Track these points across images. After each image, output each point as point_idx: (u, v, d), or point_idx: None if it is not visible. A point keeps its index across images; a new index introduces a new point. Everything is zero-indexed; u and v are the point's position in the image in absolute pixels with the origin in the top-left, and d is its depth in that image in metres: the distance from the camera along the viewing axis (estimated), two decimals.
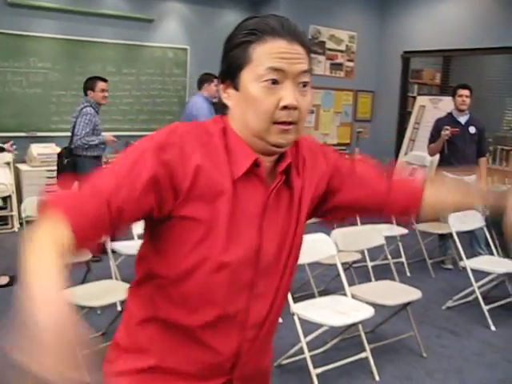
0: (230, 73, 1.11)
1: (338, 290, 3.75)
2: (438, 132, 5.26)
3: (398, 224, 5.30)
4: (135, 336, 1.21)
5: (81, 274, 3.79)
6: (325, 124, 8.45)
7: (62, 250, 0.92)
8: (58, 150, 6.49)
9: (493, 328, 4.04)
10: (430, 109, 7.68)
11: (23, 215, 3.92)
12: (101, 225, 1.01)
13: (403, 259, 5.14)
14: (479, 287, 4.19)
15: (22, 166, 6.32)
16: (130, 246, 3.60)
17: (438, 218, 5.68)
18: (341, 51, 8.37)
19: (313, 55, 7.84)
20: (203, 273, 1.10)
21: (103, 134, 5.33)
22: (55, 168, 6.33)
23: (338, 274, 3.46)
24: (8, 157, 6.11)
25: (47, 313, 0.78)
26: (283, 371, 3.26)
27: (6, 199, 5.99)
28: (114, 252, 3.90)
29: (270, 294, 1.20)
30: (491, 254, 4.70)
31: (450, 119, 5.34)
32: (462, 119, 5.30)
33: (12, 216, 6.03)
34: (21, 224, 5.68)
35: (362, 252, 4.27)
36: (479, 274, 4.20)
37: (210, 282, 1.11)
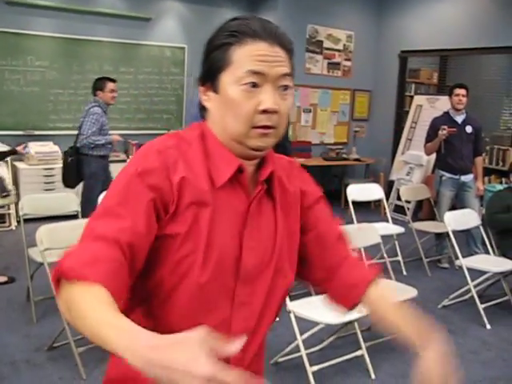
0: (210, 75, 1.09)
1: None
2: (435, 131, 5.28)
3: (395, 223, 5.34)
4: (123, 365, 1.18)
5: None
6: (322, 123, 8.47)
7: (109, 301, 0.87)
8: (56, 148, 6.54)
9: (488, 326, 4.07)
10: (427, 108, 7.71)
11: (21, 213, 3.93)
12: (121, 270, 0.95)
13: (399, 258, 5.16)
14: (475, 286, 4.21)
15: (19, 164, 6.33)
16: None
17: (435, 217, 5.72)
18: (338, 50, 8.38)
19: (310, 54, 7.90)
20: (187, 288, 1.06)
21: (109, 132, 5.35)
22: (53, 166, 6.38)
23: None
24: None
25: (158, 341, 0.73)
26: (279, 369, 3.28)
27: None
28: None
29: (257, 303, 1.15)
30: (487, 252, 4.72)
31: (446, 118, 5.36)
32: (459, 118, 5.32)
33: (9, 214, 6.04)
34: (18, 222, 5.71)
35: (359, 250, 4.28)
36: (475, 272, 4.22)
37: (194, 295, 1.07)
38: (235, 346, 0.73)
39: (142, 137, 7.02)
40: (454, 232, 4.45)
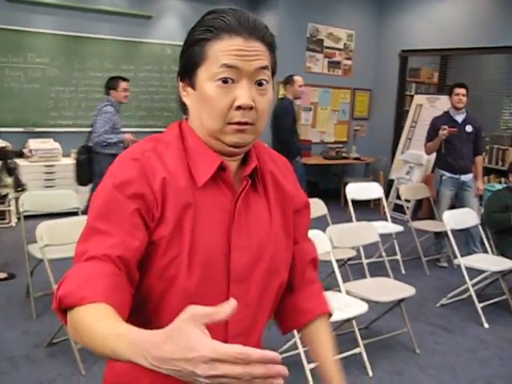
0: (187, 71, 1.07)
1: (333, 286, 3.76)
2: (436, 131, 5.28)
3: (394, 222, 5.35)
4: (117, 371, 1.16)
5: None
6: (322, 122, 8.47)
7: (112, 314, 0.85)
8: (56, 145, 6.56)
9: (486, 325, 4.08)
10: (427, 107, 7.72)
11: (21, 210, 3.94)
12: (119, 281, 0.94)
13: (398, 257, 5.18)
14: (473, 285, 4.23)
15: (19, 161, 6.33)
16: None
17: (434, 217, 5.73)
18: (339, 49, 8.39)
19: (311, 53, 7.90)
20: (177, 292, 1.04)
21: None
22: (53, 163, 6.39)
23: (334, 271, 3.49)
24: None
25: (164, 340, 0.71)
26: None
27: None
28: None
29: (252, 302, 1.12)
30: (486, 252, 4.73)
31: (446, 118, 5.36)
32: (459, 118, 5.32)
33: (10, 211, 6.05)
34: (18, 219, 5.72)
35: (358, 249, 4.30)
36: (473, 271, 4.23)
37: (184, 299, 1.04)
38: (228, 308, 0.72)
39: (142, 134, 6.92)
40: (453, 231, 4.46)
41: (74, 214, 4.21)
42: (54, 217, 3.63)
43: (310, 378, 3.04)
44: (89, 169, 5.24)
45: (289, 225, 1.20)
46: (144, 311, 1.08)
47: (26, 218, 4.01)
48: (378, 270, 4.57)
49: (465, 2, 7.39)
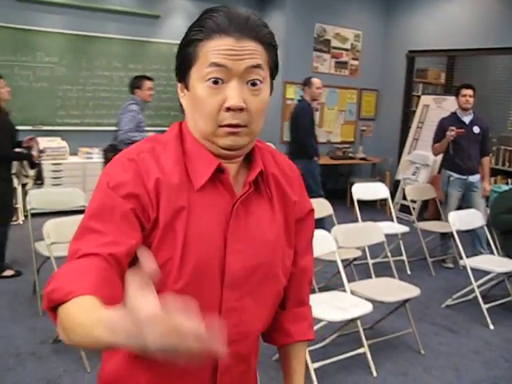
0: (182, 71, 1.05)
1: (338, 286, 3.78)
2: (443, 132, 5.27)
3: (400, 222, 5.35)
4: (112, 369, 1.14)
5: None
6: (329, 122, 8.47)
7: (93, 303, 0.83)
8: (64, 143, 6.60)
9: (491, 327, 4.07)
10: (434, 108, 7.70)
11: (28, 208, 3.98)
12: (110, 276, 0.91)
13: (404, 257, 5.18)
14: (479, 286, 4.22)
15: None
16: None
17: (440, 217, 5.72)
18: (346, 50, 8.38)
19: (318, 53, 7.89)
20: (165, 293, 1.00)
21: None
22: (60, 162, 6.44)
23: (339, 271, 3.50)
24: None
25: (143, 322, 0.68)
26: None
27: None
28: None
29: (247, 308, 1.09)
30: (492, 253, 4.72)
31: (454, 119, 5.35)
32: (467, 119, 5.31)
33: (17, 208, 6.09)
34: (25, 216, 5.76)
35: (363, 249, 4.30)
36: (479, 273, 4.22)
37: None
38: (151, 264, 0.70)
39: (149, 133, 7.05)
40: (459, 232, 4.46)
41: (81, 212, 4.20)
42: (61, 215, 3.66)
43: (314, 377, 3.05)
44: None
45: (290, 233, 1.17)
46: None
47: (34, 215, 4.04)
48: (383, 270, 4.57)
49: (472, 2, 7.38)
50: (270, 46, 1.04)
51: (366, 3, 8.43)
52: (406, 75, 8.47)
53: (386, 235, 4.11)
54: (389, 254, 4.54)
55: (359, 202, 5.14)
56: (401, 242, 5.15)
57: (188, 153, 1.06)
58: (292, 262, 1.19)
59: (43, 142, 6.43)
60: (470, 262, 4.25)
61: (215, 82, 0.99)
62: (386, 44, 8.67)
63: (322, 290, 4.18)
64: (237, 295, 1.07)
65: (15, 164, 4.66)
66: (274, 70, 1.07)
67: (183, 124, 1.11)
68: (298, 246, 1.20)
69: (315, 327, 3.19)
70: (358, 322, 3.29)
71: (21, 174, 4.74)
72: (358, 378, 3.26)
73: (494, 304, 4.31)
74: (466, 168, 5.29)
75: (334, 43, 8.25)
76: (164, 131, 1.14)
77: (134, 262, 0.98)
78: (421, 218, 6.63)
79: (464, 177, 5.31)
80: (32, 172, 4.74)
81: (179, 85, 1.08)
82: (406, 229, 5.09)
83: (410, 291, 3.55)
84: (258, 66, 1.00)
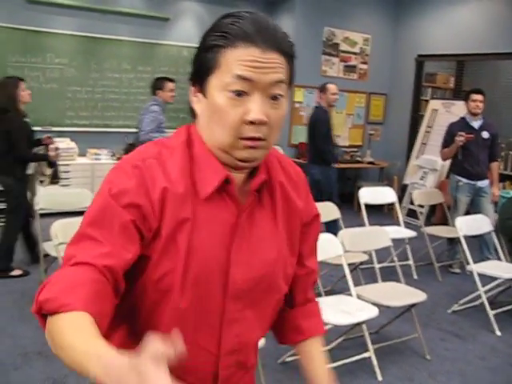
0: (199, 76, 1.01)
1: (344, 290, 3.77)
2: (452, 137, 5.25)
3: (407, 227, 5.34)
4: None
5: None
6: (337, 126, 8.41)
7: (89, 328, 0.81)
8: (73, 144, 6.63)
9: (498, 333, 4.05)
10: (443, 113, 7.68)
11: (36, 208, 4.00)
12: (104, 289, 0.90)
13: (411, 262, 5.16)
14: (485, 292, 4.20)
15: None
16: None
17: (447, 222, 5.70)
18: (355, 53, 8.39)
19: (327, 57, 7.89)
20: (168, 308, 1.02)
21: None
22: (69, 162, 6.47)
23: (345, 275, 3.49)
24: None
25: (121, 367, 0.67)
26: (287, 368, 3.31)
27: None
28: None
29: (249, 318, 1.09)
30: (499, 259, 4.70)
31: (463, 124, 5.33)
32: (476, 124, 5.29)
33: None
34: (34, 217, 5.78)
35: (370, 253, 4.30)
36: (486, 278, 4.20)
37: (176, 316, 1.02)
38: (176, 346, 0.67)
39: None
40: (467, 237, 4.44)
41: None
42: (69, 215, 3.67)
43: None
44: None
45: (294, 241, 1.16)
46: (135, 321, 1.05)
47: (42, 216, 4.07)
48: (389, 274, 4.56)
49: (482, 7, 7.36)
50: (291, 57, 1.02)
51: (375, 7, 8.43)
52: (414, 79, 8.45)
53: (393, 240, 4.10)
54: (395, 259, 4.53)
55: (366, 206, 5.13)
56: (408, 246, 5.14)
57: (195, 160, 1.03)
58: (297, 264, 1.20)
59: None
60: (476, 268, 4.23)
61: (238, 94, 0.96)
62: (395, 48, 8.67)
63: (328, 293, 4.18)
64: (239, 306, 1.07)
65: (34, 163, 4.73)
66: (291, 80, 1.04)
67: (192, 128, 1.08)
68: (304, 250, 1.20)
69: None
70: (364, 326, 3.29)
71: (39, 172, 4.82)
72: (363, 383, 3.25)
73: (500, 310, 4.29)
74: (475, 173, 5.27)
75: (343, 47, 8.25)
76: (172, 133, 1.12)
77: (128, 274, 0.96)
78: (428, 222, 6.61)
79: (473, 182, 5.29)
80: (49, 171, 4.82)
81: (192, 88, 1.05)
82: (413, 233, 5.08)
83: (417, 296, 3.54)
84: (281, 81, 0.98)
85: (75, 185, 6.33)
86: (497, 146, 5.46)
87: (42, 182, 4.91)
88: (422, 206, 6.47)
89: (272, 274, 1.10)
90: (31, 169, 4.68)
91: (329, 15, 7.97)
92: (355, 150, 8.51)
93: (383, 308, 3.33)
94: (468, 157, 5.25)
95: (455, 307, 4.44)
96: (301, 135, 8.13)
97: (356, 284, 3.58)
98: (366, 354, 3.33)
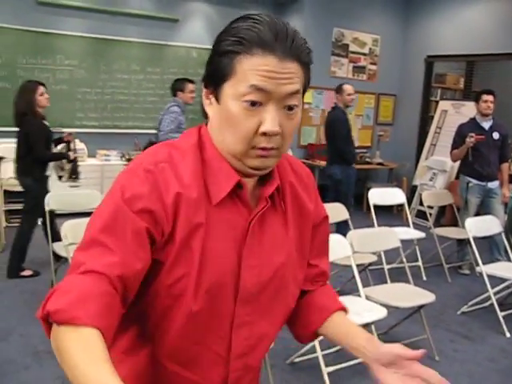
0: (213, 81, 0.99)
1: (353, 291, 3.77)
2: (462, 138, 5.23)
3: (417, 228, 5.32)
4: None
5: None
6: None
7: (102, 348, 0.81)
8: (82, 145, 6.67)
9: (507, 334, 4.03)
10: (452, 113, 7.65)
11: (46, 209, 4.03)
12: (113, 302, 0.88)
13: (420, 263, 5.15)
14: (495, 293, 4.18)
15: None
16: None
17: (457, 223, 5.68)
18: (364, 54, 8.38)
19: (336, 58, 7.88)
20: (181, 312, 1.01)
21: None
22: (79, 163, 6.49)
23: (354, 276, 3.49)
24: None
25: None
26: (295, 368, 3.31)
27: None
28: None
29: (258, 322, 1.09)
30: (509, 260, 4.68)
31: (473, 125, 5.31)
32: (486, 125, 5.27)
33: None
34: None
35: (379, 254, 4.29)
36: (496, 280, 4.19)
37: (188, 319, 1.01)
38: None
39: None
40: (477, 239, 4.42)
41: None
42: (79, 216, 3.70)
43: (327, 381, 3.04)
44: None
45: (305, 244, 1.16)
46: (145, 324, 1.05)
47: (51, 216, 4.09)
48: (398, 275, 4.55)
49: (491, 7, 7.33)
50: (308, 66, 0.99)
51: (384, 8, 8.42)
52: (424, 80, 8.43)
53: (402, 241, 4.08)
54: (404, 260, 4.52)
55: (375, 206, 5.12)
56: (417, 247, 5.12)
57: (207, 163, 1.01)
58: (309, 265, 1.20)
59: (62, 144, 6.51)
60: (486, 269, 4.22)
61: (253, 104, 0.94)
62: (404, 49, 8.65)
63: (336, 294, 4.17)
64: (249, 310, 1.07)
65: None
66: (306, 87, 1.02)
67: (203, 129, 1.06)
68: (314, 250, 1.20)
69: None
70: (373, 326, 3.28)
71: (58, 167, 4.90)
72: (372, 383, 3.24)
73: (510, 312, 4.27)
74: (486, 174, 5.24)
75: (352, 48, 8.25)
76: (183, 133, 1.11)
77: (144, 276, 0.96)
78: (437, 223, 6.59)
79: (483, 183, 5.26)
80: (68, 165, 4.92)
81: (205, 90, 1.02)
82: (422, 234, 5.06)
83: (426, 297, 3.53)
84: (297, 92, 0.96)
85: (85, 186, 6.35)
86: (507, 147, 5.43)
87: (60, 177, 4.99)
88: (431, 207, 6.45)
89: (281, 277, 1.09)
90: (50, 169, 4.75)
91: (338, 16, 7.97)
92: (364, 150, 8.49)
93: (392, 309, 3.32)
94: (478, 158, 5.22)
95: (464, 308, 4.42)
96: (310, 136, 8.14)
97: (365, 285, 3.58)
98: None
